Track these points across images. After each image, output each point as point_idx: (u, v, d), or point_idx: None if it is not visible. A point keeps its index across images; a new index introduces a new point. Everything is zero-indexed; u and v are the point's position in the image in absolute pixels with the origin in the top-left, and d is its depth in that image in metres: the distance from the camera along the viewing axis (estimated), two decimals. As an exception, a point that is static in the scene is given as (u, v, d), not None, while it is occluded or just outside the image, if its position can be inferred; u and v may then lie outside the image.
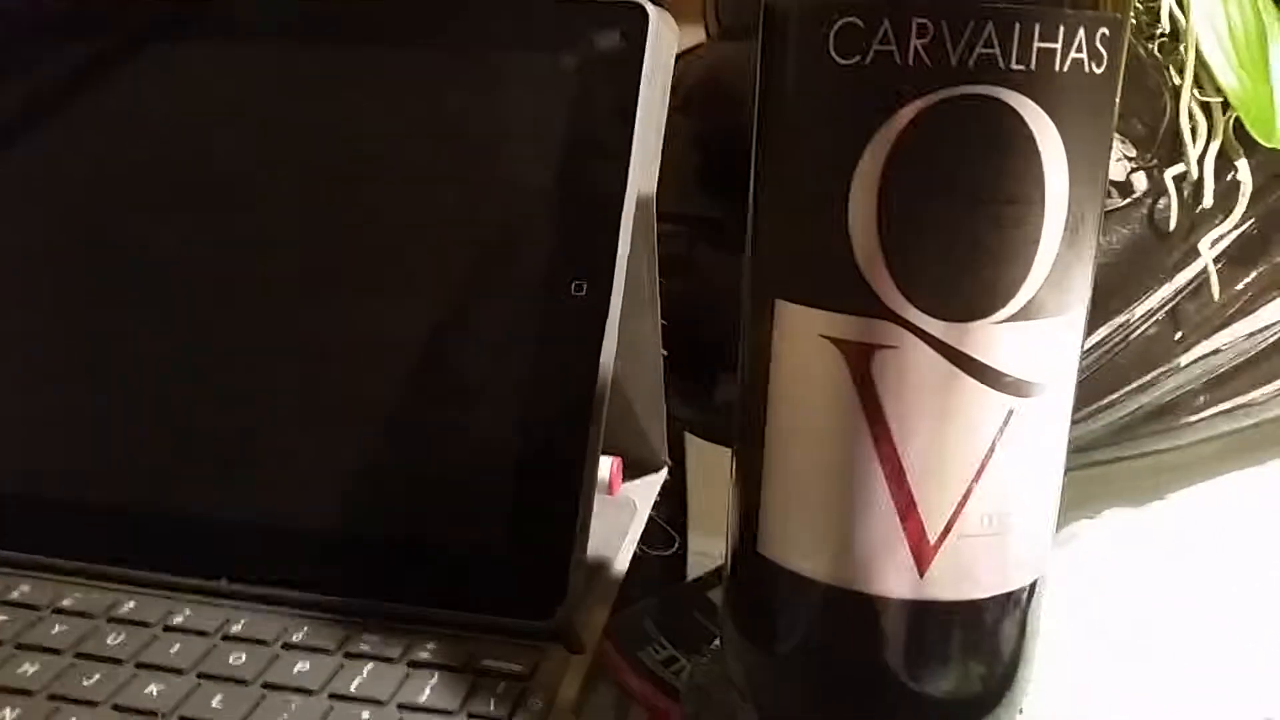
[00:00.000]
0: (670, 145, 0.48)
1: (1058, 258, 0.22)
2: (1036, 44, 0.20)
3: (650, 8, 0.34)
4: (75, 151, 0.38)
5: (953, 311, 0.22)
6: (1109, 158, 0.23)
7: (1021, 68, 0.20)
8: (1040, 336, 0.22)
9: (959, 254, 0.21)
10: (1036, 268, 0.22)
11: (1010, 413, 0.22)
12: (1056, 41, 0.20)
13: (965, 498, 0.23)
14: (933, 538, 0.23)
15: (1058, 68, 0.21)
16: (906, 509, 0.23)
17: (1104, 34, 0.21)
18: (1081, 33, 0.21)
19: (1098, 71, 0.21)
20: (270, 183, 0.36)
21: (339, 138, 0.36)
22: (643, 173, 0.34)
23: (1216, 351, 0.46)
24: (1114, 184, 0.43)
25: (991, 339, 0.22)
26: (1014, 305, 0.22)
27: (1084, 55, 0.21)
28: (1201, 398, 0.47)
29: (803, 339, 0.23)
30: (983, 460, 0.22)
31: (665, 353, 0.42)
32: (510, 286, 0.33)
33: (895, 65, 0.21)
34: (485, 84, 0.35)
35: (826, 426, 0.23)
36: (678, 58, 0.51)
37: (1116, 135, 0.43)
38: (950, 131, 0.21)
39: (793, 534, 0.24)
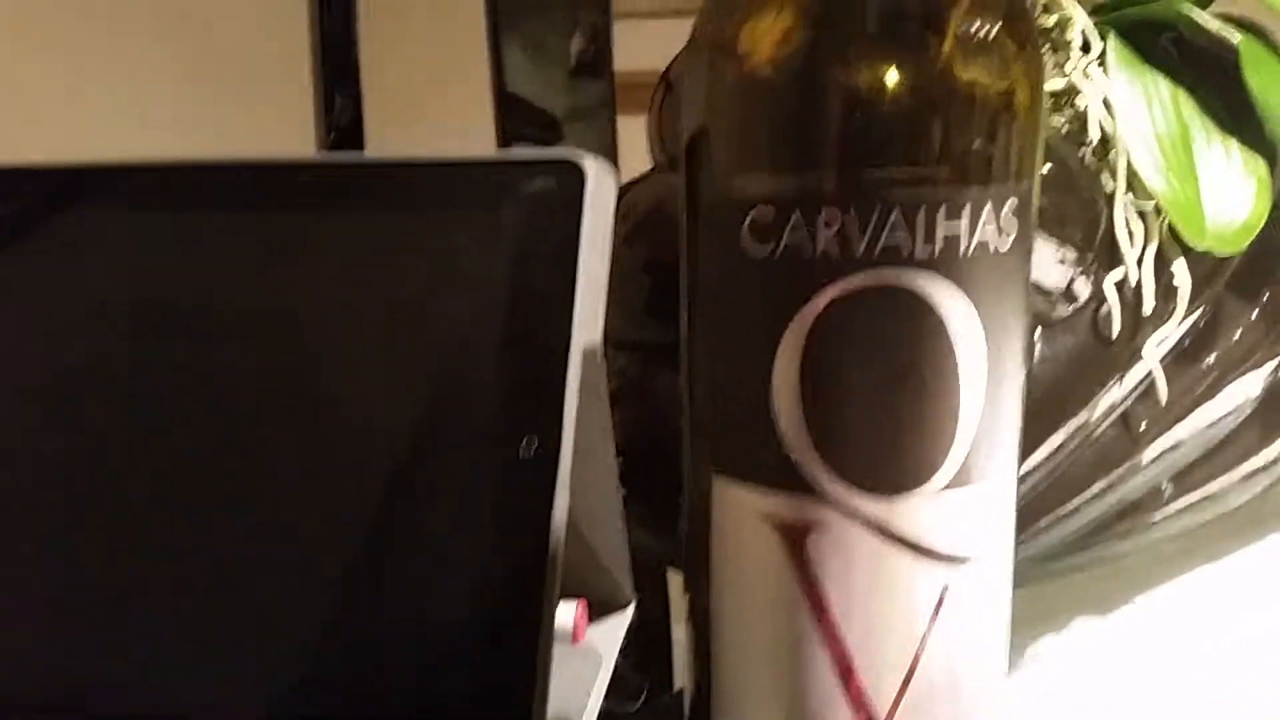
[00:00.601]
0: (621, 272, 0.48)
1: (980, 428, 0.22)
2: (941, 230, 0.21)
3: (587, 161, 0.35)
4: None
5: (881, 487, 0.22)
6: (1024, 323, 0.23)
7: (927, 254, 0.21)
8: (970, 506, 0.22)
9: (882, 432, 0.22)
10: (959, 440, 0.22)
11: (945, 587, 0.23)
12: (961, 221, 0.21)
13: (910, 671, 0.23)
14: (882, 711, 0.23)
15: (963, 251, 0.21)
16: (850, 685, 0.23)
17: (1014, 204, 0.22)
18: (988, 209, 0.21)
19: (1004, 248, 0.22)
20: (208, 353, 0.36)
21: (275, 308, 0.36)
22: (587, 325, 0.34)
23: (1177, 446, 0.46)
24: (1057, 292, 0.43)
25: (921, 513, 0.22)
26: (941, 477, 0.22)
27: (991, 233, 0.21)
28: (1166, 492, 0.47)
29: (740, 518, 0.23)
30: (923, 634, 0.23)
31: (623, 490, 0.42)
32: (459, 448, 0.34)
33: (806, 256, 0.21)
34: (422, 247, 0.35)
35: (767, 605, 0.23)
36: (627, 186, 0.52)
37: (1055, 241, 0.44)
38: (863, 317, 0.21)
39: (742, 709, 0.24)
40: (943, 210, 0.21)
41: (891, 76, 0.21)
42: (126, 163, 0.39)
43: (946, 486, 0.22)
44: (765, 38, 0.22)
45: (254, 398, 0.35)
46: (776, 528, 0.23)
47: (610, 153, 0.94)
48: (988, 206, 0.21)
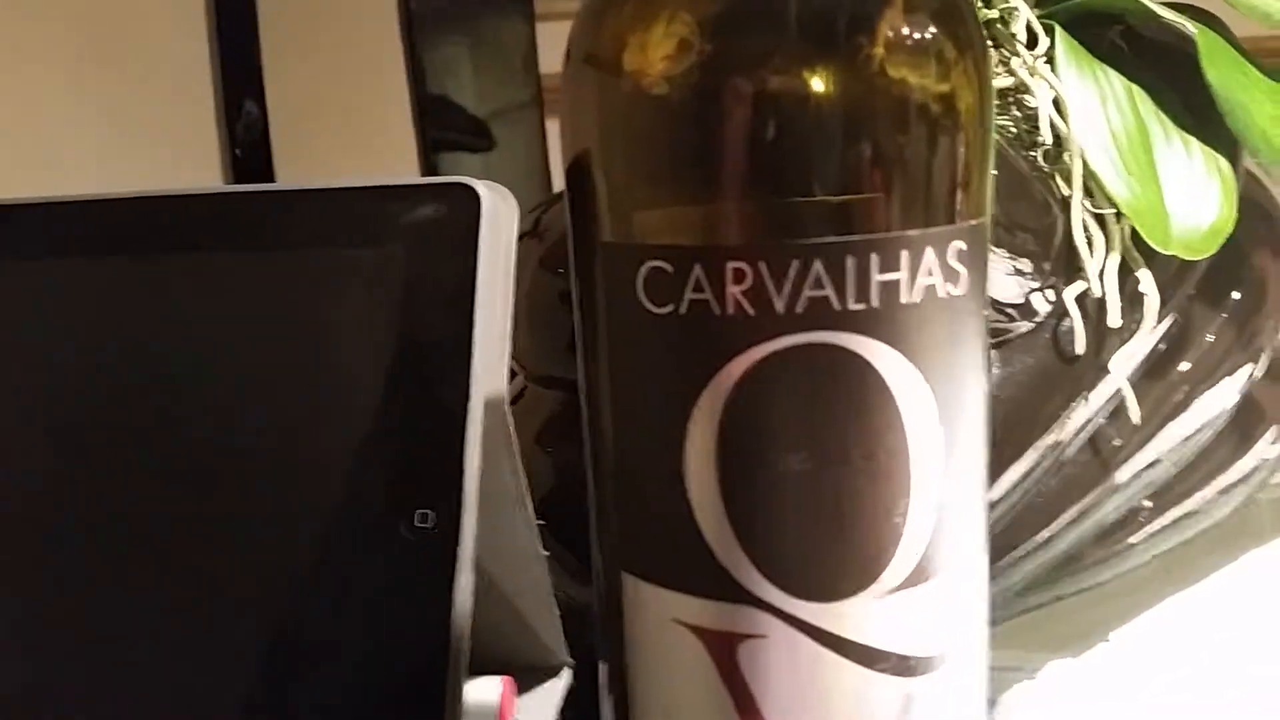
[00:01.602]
0: (538, 300, 0.44)
1: (940, 508, 0.18)
2: (876, 277, 0.17)
3: (481, 186, 0.31)
4: None
5: (822, 590, 0.18)
6: (984, 378, 0.19)
7: (861, 306, 0.17)
8: (931, 604, 0.19)
9: (818, 523, 0.18)
10: (913, 526, 0.18)
11: (909, 696, 0.19)
12: (899, 270, 0.17)
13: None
14: None
15: (905, 299, 0.17)
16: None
17: (960, 249, 0.18)
18: (930, 254, 0.18)
19: (955, 292, 0.18)
20: (84, 404, 0.32)
21: (152, 355, 0.32)
22: (488, 374, 0.30)
23: (1155, 463, 0.43)
24: (1013, 307, 0.40)
25: (873, 615, 0.18)
26: (894, 574, 0.18)
27: (936, 278, 0.18)
28: (1144, 512, 0.44)
29: (657, 624, 0.19)
30: (881, 759, 0.19)
31: (551, 538, 0.38)
32: (346, 523, 0.29)
33: (713, 315, 0.17)
34: (297, 287, 0.31)
35: (692, 726, 0.19)
36: (544, 207, 0.47)
37: (1006, 251, 0.41)
38: (787, 386, 0.17)
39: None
40: (875, 259, 0.17)
41: (811, 85, 0.17)
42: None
43: (901, 585, 0.18)
44: (656, 48, 0.18)
45: (125, 461, 0.31)
46: (701, 636, 0.19)
47: (540, 158, 0.90)
48: (929, 252, 0.18)
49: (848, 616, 0.18)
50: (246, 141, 0.70)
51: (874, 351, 0.17)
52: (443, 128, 0.79)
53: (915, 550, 0.18)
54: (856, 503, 0.18)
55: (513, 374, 0.42)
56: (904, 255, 0.17)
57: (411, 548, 0.28)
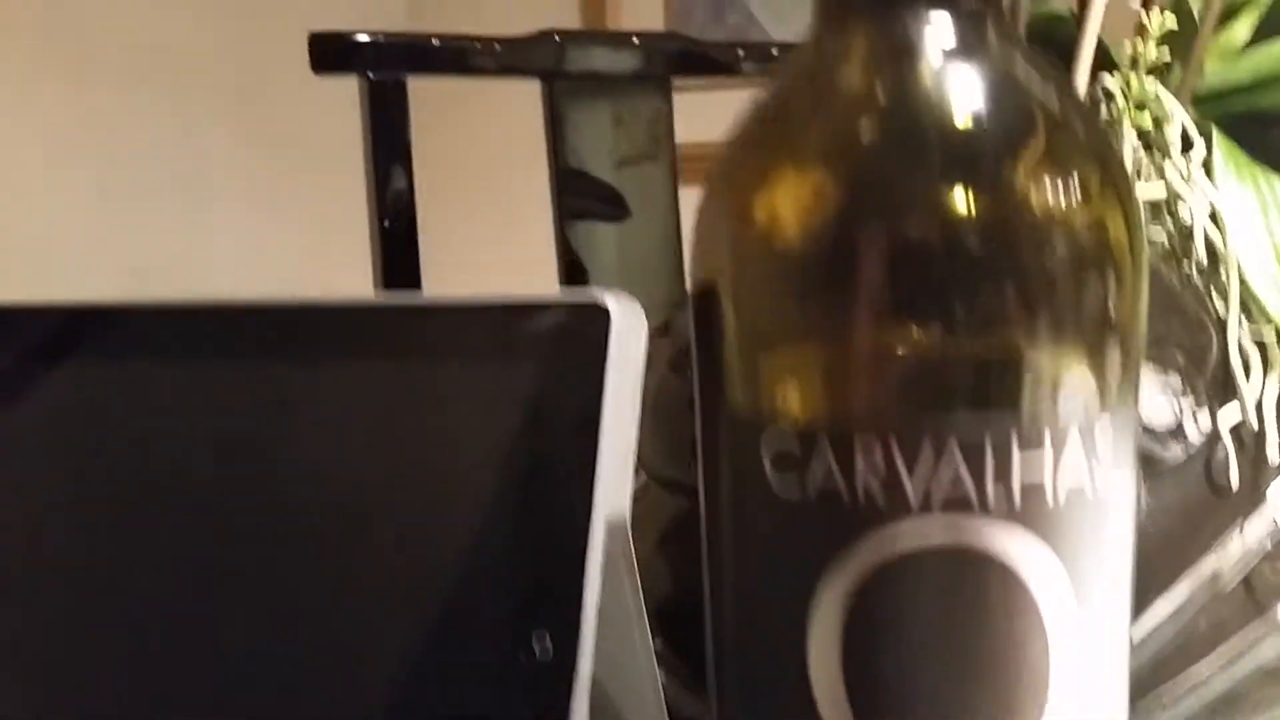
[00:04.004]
0: (666, 403, 0.44)
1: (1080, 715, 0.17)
2: (1018, 467, 0.16)
3: (613, 303, 0.31)
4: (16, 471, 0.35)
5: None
6: (1129, 572, 0.18)
7: (1002, 503, 0.16)
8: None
9: (948, 726, 0.17)
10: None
11: None
12: (1043, 457, 0.16)
13: None
14: None
15: (1051, 498, 0.16)
16: None
17: (1109, 436, 0.17)
18: (1075, 438, 0.17)
19: (1103, 486, 0.17)
20: (206, 512, 0.33)
21: (276, 465, 0.33)
22: (612, 495, 0.30)
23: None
24: (1166, 432, 0.38)
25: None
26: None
27: (1082, 471, 0.17)
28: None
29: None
30: None
31: (666, 644, 0.37)
32: (462, 642, 0.29)
33: (843, 504, 0.17)
34: (425, 401, 0.32)
35: None
36: (677, 307, 0.47)
37: (1154, 366, 0.39)
38: (922, 583, 0.17)
39: None
40: (1015, 438, 0.16)
41: (949, 243, 0.17)
42: (128, 304, 0.36)
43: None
44: (792, 195, 0.18)
45: (247, 576, 0.32)
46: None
47: (674, 227, 0.90)
48: (1074, 434, 0.17)
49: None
50: (395, 211, 0.72)
51: (1016, 552, 0.16)
52: (580, 195, 0.80)
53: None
54: (991, 708, 0.17)
55: (635, 472, 0.42)
56: (1047, 439, 0.16)
57: (529, 671, 0.28)
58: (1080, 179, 0.18)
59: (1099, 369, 0.18)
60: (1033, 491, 0.16)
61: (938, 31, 0.18)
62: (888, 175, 0.18)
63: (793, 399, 0.18)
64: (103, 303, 0.36)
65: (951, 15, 0.18)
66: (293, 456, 0.33)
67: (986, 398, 0.17)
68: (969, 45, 0.18)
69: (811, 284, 0.18)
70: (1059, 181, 0.18)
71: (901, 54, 0.18)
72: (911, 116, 0.18)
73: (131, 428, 0.35)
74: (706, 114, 0.79)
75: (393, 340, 0.33)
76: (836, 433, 0.17)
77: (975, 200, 0.18)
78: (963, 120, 0.18)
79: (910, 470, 0.16)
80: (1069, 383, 0.17)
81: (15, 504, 0.35)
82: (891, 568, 0.16)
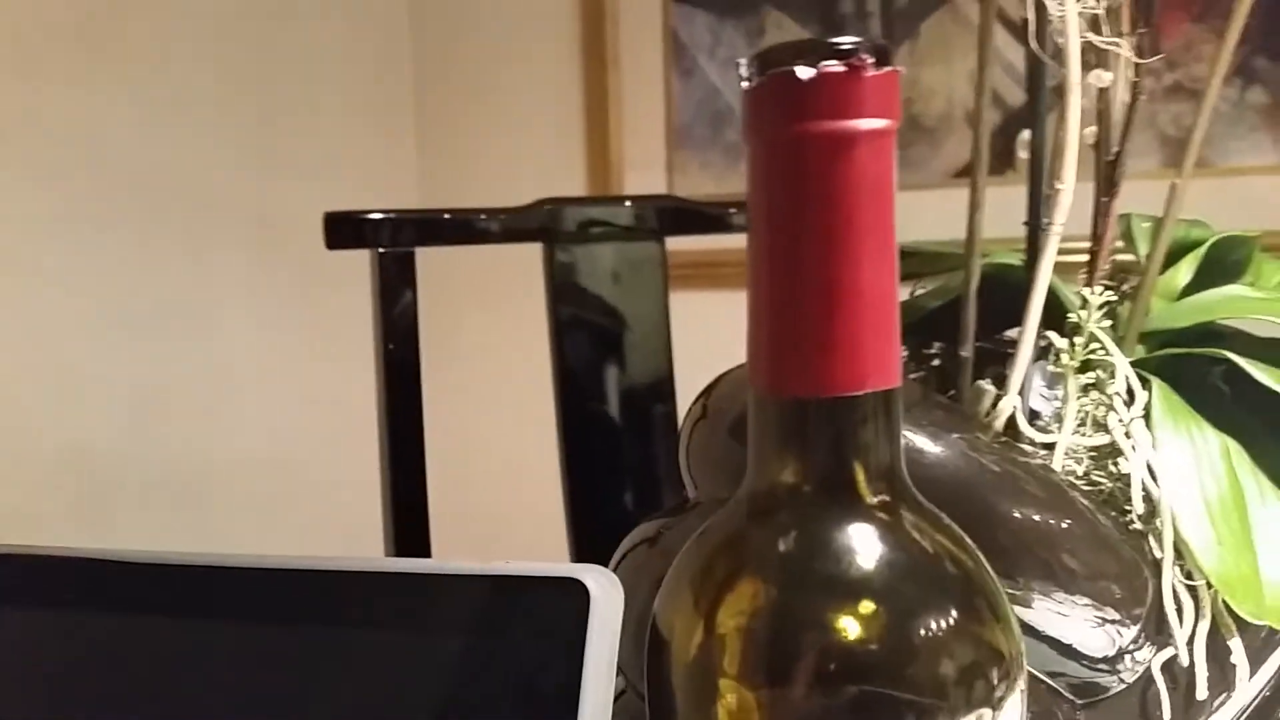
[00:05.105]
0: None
1: None
2: None
3: (591, 581, 0.34)
4: None
5: None
6: None
7: None
8: None
9: None
10: None
11: None
12: None
13: None
14: None
15: None
16: None
17: None
18: None
19: None
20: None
21: (255, 714, 0.36)
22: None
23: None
24: (1102, 662, 0.41)
25: None
26: None
27: None
28: None
29: None
30: None
31: None
32: None
33: None
34: (409, 668, 0.35)
35: None
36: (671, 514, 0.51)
37: (1090, 600, 0.41)
38: None
39: None
40: None
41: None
42: (117, 558, 0.39)
43: None
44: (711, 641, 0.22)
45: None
46: None
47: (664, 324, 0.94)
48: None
49: None
50: (401, 371, 0.75)
51: None
52: (576, 309, 0.83)
53: None
54: None
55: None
56: None
57: None
58: (968, 628, 0.22)
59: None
60: None
61: (852, 521, 0.22)
62: (788, 634, 0.22)
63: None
64: (98, 554, 0.39)
65: (859, 515, 0.22)
66: (281, 714, 0.36)
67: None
68: (871, 528, 0.22)
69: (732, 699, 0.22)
70: (936, 625, 0.22)
71: (811, 534, 0.22)
72: (807, 587, 0.22)
73: (111, 679, 0.37)
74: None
75: (384, 605, 0.36)
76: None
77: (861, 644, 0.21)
78: (854, 589, 0.22)
79: None
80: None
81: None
82: None
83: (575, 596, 0.34)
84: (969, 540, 0.24)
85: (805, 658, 0.22)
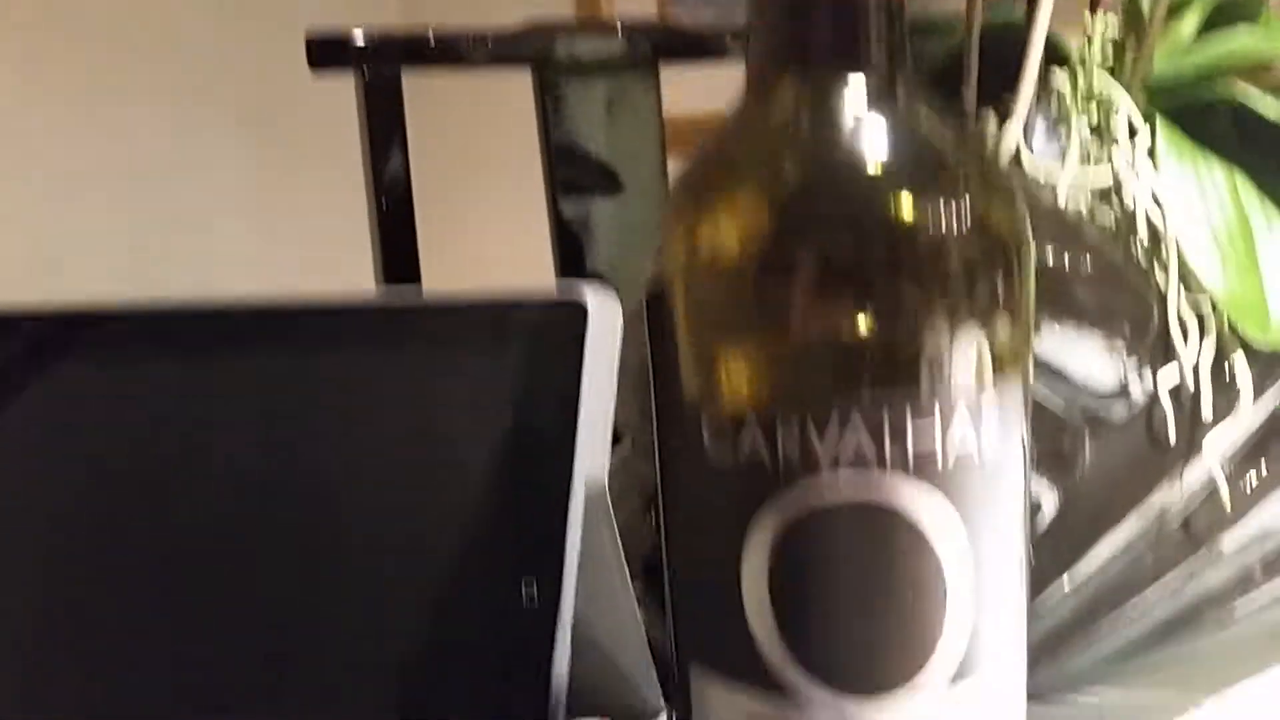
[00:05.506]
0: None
1: (975, 619, 0.20)
2: (913, 435, 0.19)
3: (590, 298, 0.34)
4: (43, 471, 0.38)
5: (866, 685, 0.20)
6: (1021, 523, 0.21)
7: (900, 463, 0.19)
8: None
9: (860, 646, 0.20)
10: (947, 639, 0.20)
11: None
12: (934, 427, 0.19)
13: None
14: None
15: (941, 460, 0.20)
16: None
17: (991, 399, 0.20)
18: (962, 410, 0.20)
19: (990, 452, 0.20)
20: (210, 499, 0.36)
21: (274, 447, 0.36)
22: (591, 458, 0.33)
23: (1265, 536, 0.43)
24: (1109, 393, 0.41)
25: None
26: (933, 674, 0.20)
27: (971, 441, 0.20)
28: (1255, 580, 0.44)
29: (721, 715, 0.22)
30: None
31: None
32: (459, 590, 0.33)
33: (765, 469, 0.20)
34: (421, 388, 0.35)
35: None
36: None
37: (1101, 334, 0.41)
38: (833, 530, 0.20)
39: None
40: (909, 411, 0.19)
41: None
42: (129, 307, 0.39)
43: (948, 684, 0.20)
44: (728, 225, 0.21)
45: (248, 542, 0.35)
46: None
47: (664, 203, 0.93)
48: (962, 406, 0.20)
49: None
50: (392, 197, 0.75)
51: (913, 504, 0.19)
52: (573, 171, 0.82)
53: (946, 666, 0.20)
54: (894, 630, 0.20)
55: (619, 437, 0.45)
56: (937, 411, 0.19)
57: (518, 613, 0.32)
58: (969, 203, 0.21)
59: (983, 357, 0.21)
60: (925, 455, 0.20)
61: (851, 90, 0.21)
62: (806, 209, 0.21)
63: (727, 386, 0.21)
64: (99, 305, 0.39)
65: (864, 76, 0.21)
66: (296, 437, 0.36)
67: (885, 379, 0.20)
68: (876, 99, 0.21)
69: (744, 296, 0.21)
70: (948, 206, 0.21)
71: (819, 109, 0.21)
72: (824, 160, 0.21)
73: (123, 427, 0.38)
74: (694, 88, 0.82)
75: (389, 335, 0.36)
76: (762, 412, 0.20)
77: (878, 226, 0.21)
78: (867, 160, 0.21)
79: (821, 439, 0.19)
80: (957, 366, 0.20)
81: (12, 506, 0.38)
82: (806, 518, 0.20)
83: (573, 313, 0.34)
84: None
85: (807, 236, 0.21)
